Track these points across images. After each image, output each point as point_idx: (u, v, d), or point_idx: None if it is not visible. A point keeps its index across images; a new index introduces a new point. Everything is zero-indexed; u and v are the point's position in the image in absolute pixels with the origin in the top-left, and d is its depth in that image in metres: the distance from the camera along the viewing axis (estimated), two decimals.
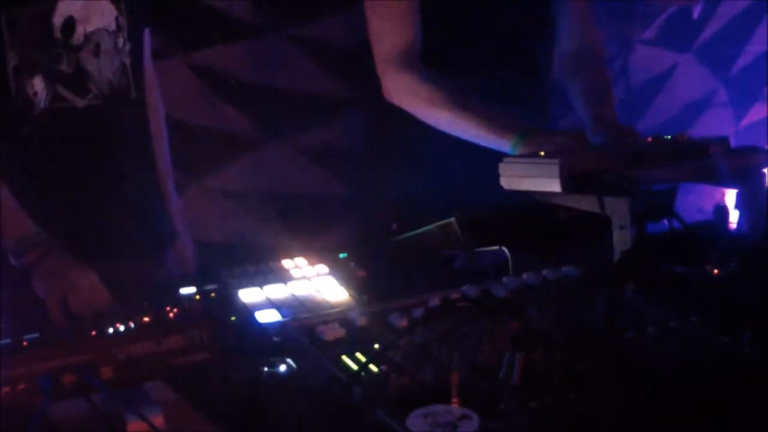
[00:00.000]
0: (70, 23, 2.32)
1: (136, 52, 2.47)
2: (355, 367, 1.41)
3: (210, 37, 3.39)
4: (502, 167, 2.07)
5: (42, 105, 2.31)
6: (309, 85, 3.28)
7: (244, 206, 3.27)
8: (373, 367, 1.39)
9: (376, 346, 1.46)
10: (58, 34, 2.31)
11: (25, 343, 1.60)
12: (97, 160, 2.39)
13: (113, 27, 2.40)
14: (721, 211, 2.06)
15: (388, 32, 2.51)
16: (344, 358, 1.44)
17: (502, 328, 1.46)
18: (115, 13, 2.40)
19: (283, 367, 1.53)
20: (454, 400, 1.29)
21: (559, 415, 1.27)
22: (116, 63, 2.41)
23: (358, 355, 1.44)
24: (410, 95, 2.51)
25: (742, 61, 4.59)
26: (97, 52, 2.37)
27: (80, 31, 2.34)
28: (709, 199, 2.77)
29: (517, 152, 2.29)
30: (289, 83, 3.45)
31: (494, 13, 2.55)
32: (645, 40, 4.42)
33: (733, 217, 2.10)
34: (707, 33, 4.51)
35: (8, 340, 1.60)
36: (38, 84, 2.30)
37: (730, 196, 2.29)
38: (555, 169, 1.95)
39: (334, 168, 3.41)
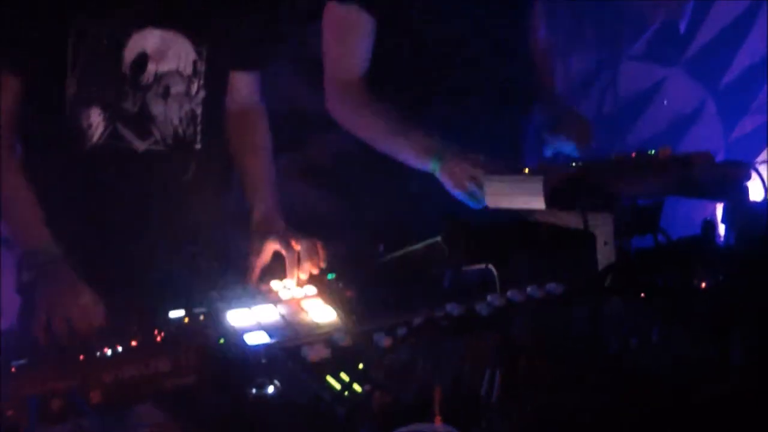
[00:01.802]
0: (141, 59, 2.21)
1: (211, 101, 2.34)
2: (338, 386, 1.42)
3: None
4: (487, 185, 2.08)
5: (95, 139, 2.21)
6: (296, 103, 3.29)
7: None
8: (356, 387, 1.40)
9: (360, 365, 1.47)
10: (126, 69, 2.21)
11: (13, 369, 1.60)
12: (144, 208, 2.28)
13: (188, 71, 2.28)
14: (709, 225, 2.06)
15: (343, 55, 2.55)
16: (328, 378, 1.45)
17: (484, 344, 1.47)
18: (194, 56, 2.28)
19: (270, 389, 1.53)
20: (437, 417, 1.30)
21: (540, 430, 1.28)
22: (185, 109, 2.29)
23: (342, 374, 1.45)
24: (351, 115, 2.55)
25: (731, 73, 4.60)
26: (165, 94, 2.25)
27: (151, 69, 2.22)
28: (700, 214, 2.77)
29: (437, 174, 2.31)
30: (277, 102, 3.46)
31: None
32: (633, 54, 4.43)
33: (721, 230, 2.10)
34: (695, 46, 4.52)
35: None
36: (95, 116, 2.20)
37: (720, 211, 2.30)
38: (539, 186, 1.96)
39: (321, 188, 3.40)
